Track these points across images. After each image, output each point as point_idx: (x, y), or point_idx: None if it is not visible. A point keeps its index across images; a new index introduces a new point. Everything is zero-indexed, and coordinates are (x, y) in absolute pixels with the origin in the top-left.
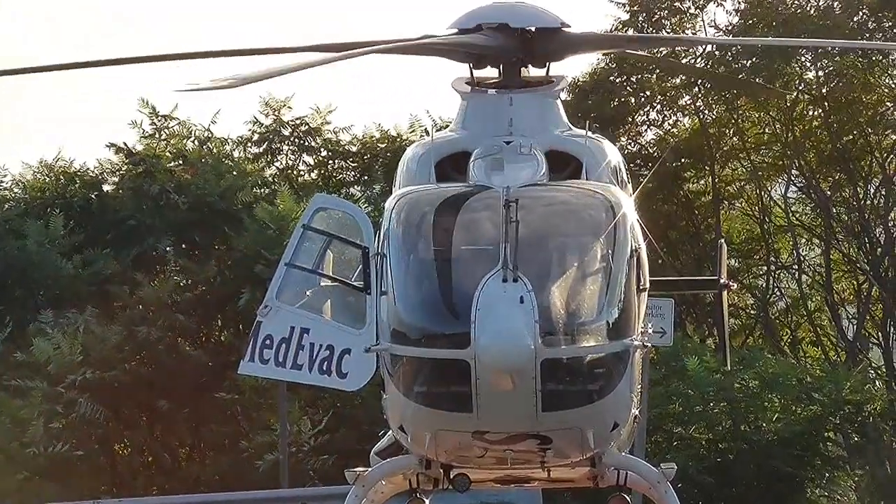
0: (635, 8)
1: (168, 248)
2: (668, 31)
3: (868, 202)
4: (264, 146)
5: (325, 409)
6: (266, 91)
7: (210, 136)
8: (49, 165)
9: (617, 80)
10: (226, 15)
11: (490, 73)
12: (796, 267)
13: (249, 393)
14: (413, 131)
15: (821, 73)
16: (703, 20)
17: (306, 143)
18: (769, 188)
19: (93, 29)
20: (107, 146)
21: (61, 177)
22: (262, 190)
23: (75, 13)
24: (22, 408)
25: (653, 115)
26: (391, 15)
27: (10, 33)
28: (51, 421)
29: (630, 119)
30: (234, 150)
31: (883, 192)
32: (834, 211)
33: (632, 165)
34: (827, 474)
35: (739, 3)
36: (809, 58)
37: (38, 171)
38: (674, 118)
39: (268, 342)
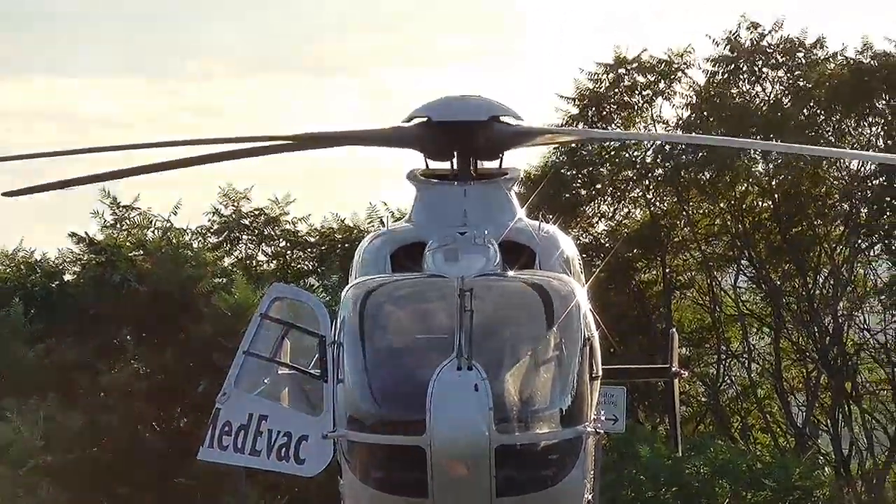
0: (584, 102)
1: (128, 337)
2: (618, 125)
3: (817, 292)
4: (224, 236)
5: (283, 494)
6: (226, 182)
7: (170, 226)
8: (10, 255)
9: (568, 173)
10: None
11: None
12: (746, 355)
13: (208, 478)
14: (371, 222)
15: (770, 165)
16: (651, 115)
17: (265, 233)
18: (720, 278)
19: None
20: (68, 235)
21: (22, 266)
22: (221, 280)
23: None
24: None
25: (604, 207)
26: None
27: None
28: None
29: (582, 210)
30: (193, 240)
31: (831, 283)
32: (783, 300)
33: (584, 255)
34: None
35: (689, 97)
36: (758, 151)
37: None
38: (625, 210)
39: (227, 429)
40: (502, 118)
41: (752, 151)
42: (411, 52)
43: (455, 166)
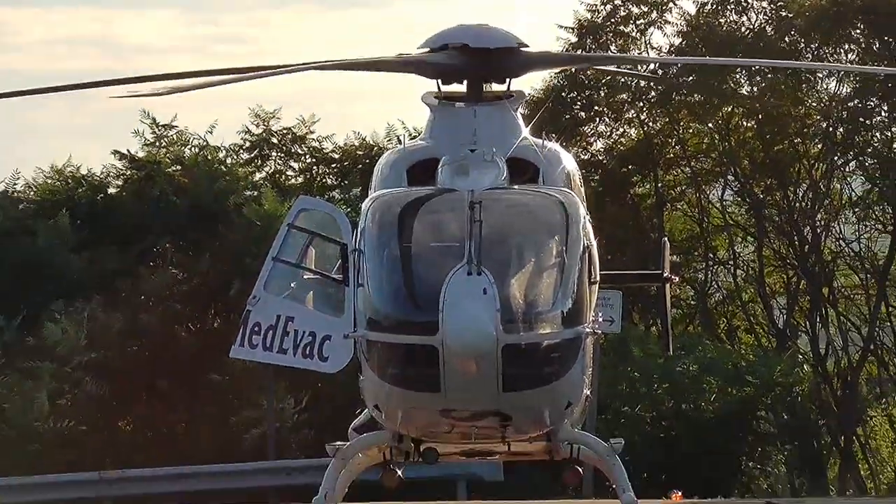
0: (583, 31)
1: (167, 245)
2: (615, 52)
3: (797, 204)
4: (254, 153)
5: (308, 389)
6: (256, 103)
7: (205, 144)
8: (59, 170)
9: (568, 96)
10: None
11: (456, 87)
12: (732, 262)
13: (239, 375)
14: (389, 140)
15: (754, 88)
16: (645, 42)
17: (292, 150)
18: (707, 192)
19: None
20: (112, 153)
21: (70, 180)
22: (252, 193)
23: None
24: (32, 387)
25: (601, 127)
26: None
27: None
28: (58, 398)
29: (581, 130)
30: (226, 156)
31: (810, 196)
32: (766, 212)
33: (583, 171)
34: (759, 449)
35: (680, 25)
36: (744, 75)
37: (49, 175)
38: (621, 129)
39: (256, 329)
40: (489, 46)
41: (738, 76)
42: None
43: (467, 89)
